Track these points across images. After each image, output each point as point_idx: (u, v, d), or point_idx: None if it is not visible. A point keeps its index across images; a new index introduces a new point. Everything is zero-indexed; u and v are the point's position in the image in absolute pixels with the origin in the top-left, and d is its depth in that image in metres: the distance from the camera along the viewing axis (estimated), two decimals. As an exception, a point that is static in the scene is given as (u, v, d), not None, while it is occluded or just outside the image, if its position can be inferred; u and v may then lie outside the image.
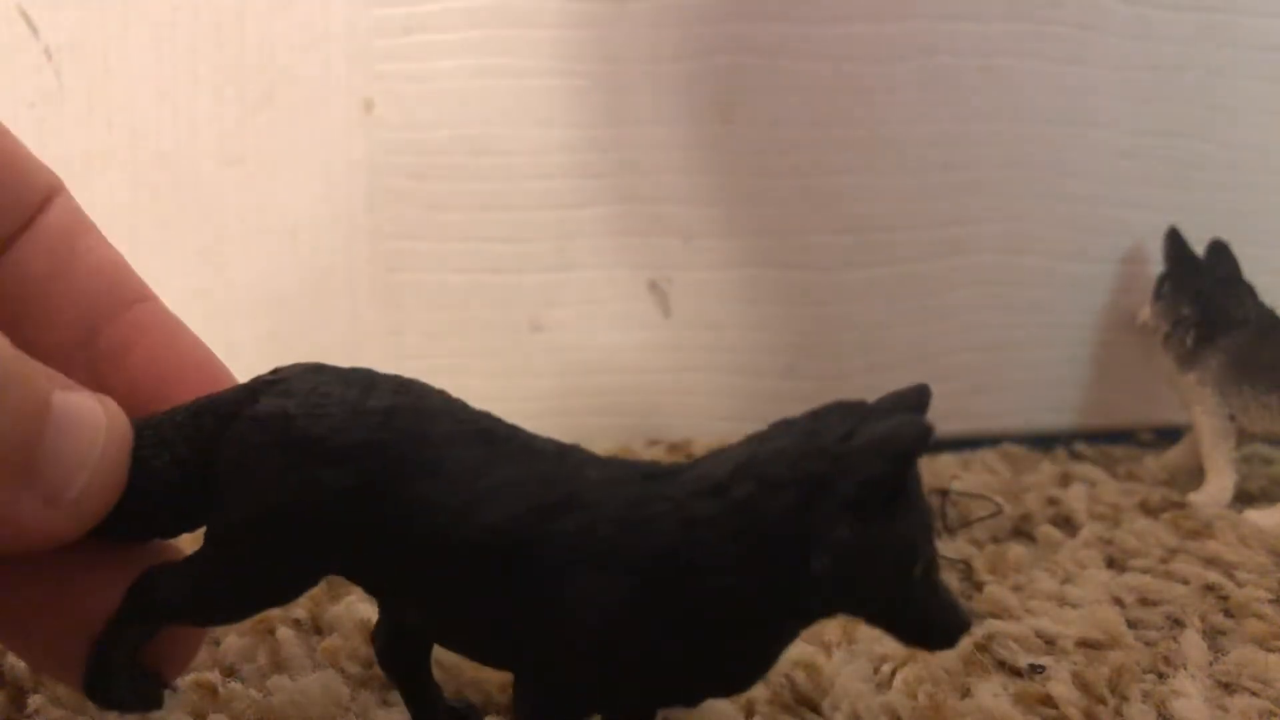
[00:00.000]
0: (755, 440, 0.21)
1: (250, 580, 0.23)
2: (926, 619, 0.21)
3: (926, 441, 0.19)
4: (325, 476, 0.21)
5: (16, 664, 0.30)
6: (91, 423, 0.21)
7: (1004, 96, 0.54)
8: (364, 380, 0.23)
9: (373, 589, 0.24)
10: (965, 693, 0.30)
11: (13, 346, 0.19)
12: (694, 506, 0.21)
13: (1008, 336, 0.56)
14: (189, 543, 0.24)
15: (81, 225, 0.25)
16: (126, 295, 0.25)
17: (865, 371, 0.54)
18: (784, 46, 0.51)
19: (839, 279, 0.54)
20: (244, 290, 0.51)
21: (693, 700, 0.23)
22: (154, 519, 0.23)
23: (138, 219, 0.49)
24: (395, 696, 0.29)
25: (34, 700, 0.28)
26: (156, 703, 0.24)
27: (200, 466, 0.23)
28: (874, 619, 0.21)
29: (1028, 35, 0.53)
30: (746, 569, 0.20)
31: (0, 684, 0.29)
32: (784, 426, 0.21)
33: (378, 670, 0.30)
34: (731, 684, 0.22)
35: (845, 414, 0.21)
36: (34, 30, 0.45)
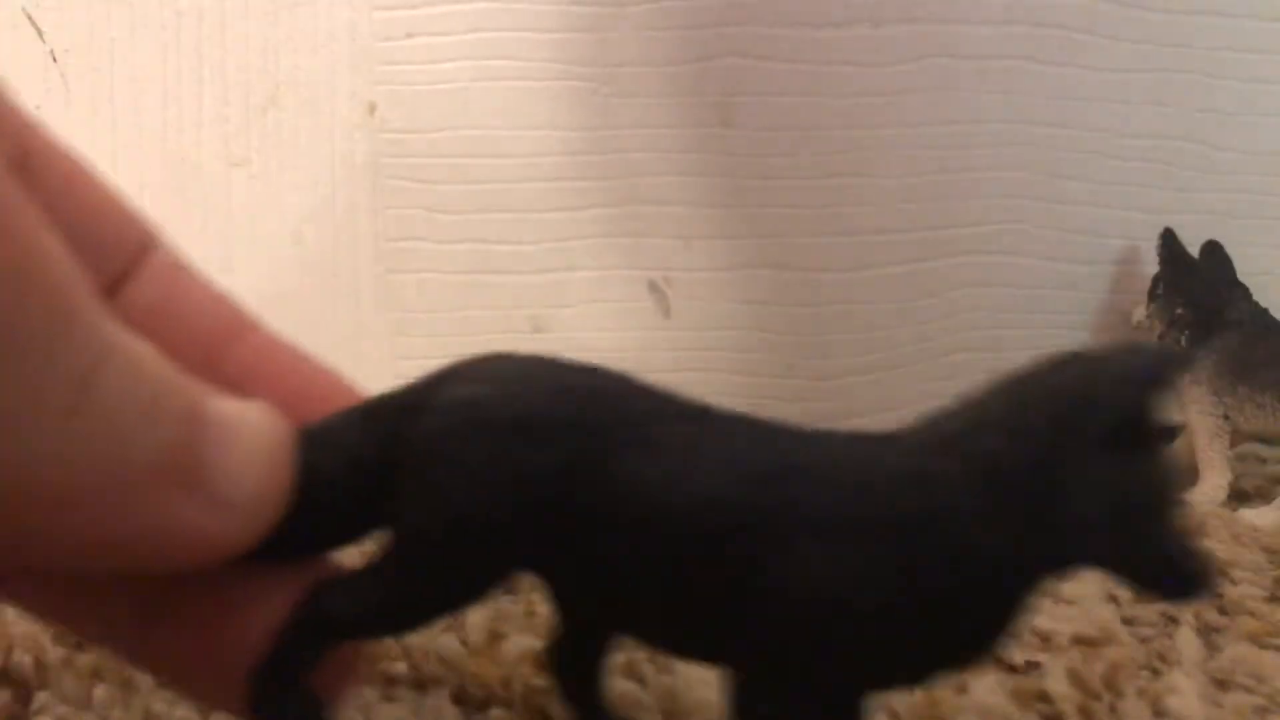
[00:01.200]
0: (969, 402, 0.20)
1: (444, 580, 0.21)
2: (1175, 563, 0.19)
3: (1175, 369, 0.19)
4: (531, 458, 0.20)
5: (22, 660, 0.30)
6: (252, 423, 0.19)
7: (1000, 99, 0.54)
8: (552, 363, 0.22)
9: (568, 587, 0.22)
10: (962, 689, 0.30)
11: (162, 355, 0.18)
12: (929, 464, 0.20)
13: (1004, 337, 0.56)
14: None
15: (181, 266, 0.24)
16: (240, 322, 0.24)
17: (865, 371, 0.54)
18: (782, 50, 0.51)
19: (839, 279, 0.54)
20: (247, 290, 0.50)
21: (924, 678, 0.21)
22: (322, 529, 0.21)
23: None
24: (399, 693, 0.29)
25: (39, 697, 0.28)
26: None
27: (378, 466, 0.21)
28: (1120, 565, 0.20)
29: (1023, 38, 0.54)
30: (994, 522, 0.19)
31: (5, 681, 0.29)
32: (1004, 382, 0.20)
33: (381, 667, 0.30)
34: (971, 653, 0.21)
35: (1077, 361, 0.20)
36: (39, 33, 0.46)
